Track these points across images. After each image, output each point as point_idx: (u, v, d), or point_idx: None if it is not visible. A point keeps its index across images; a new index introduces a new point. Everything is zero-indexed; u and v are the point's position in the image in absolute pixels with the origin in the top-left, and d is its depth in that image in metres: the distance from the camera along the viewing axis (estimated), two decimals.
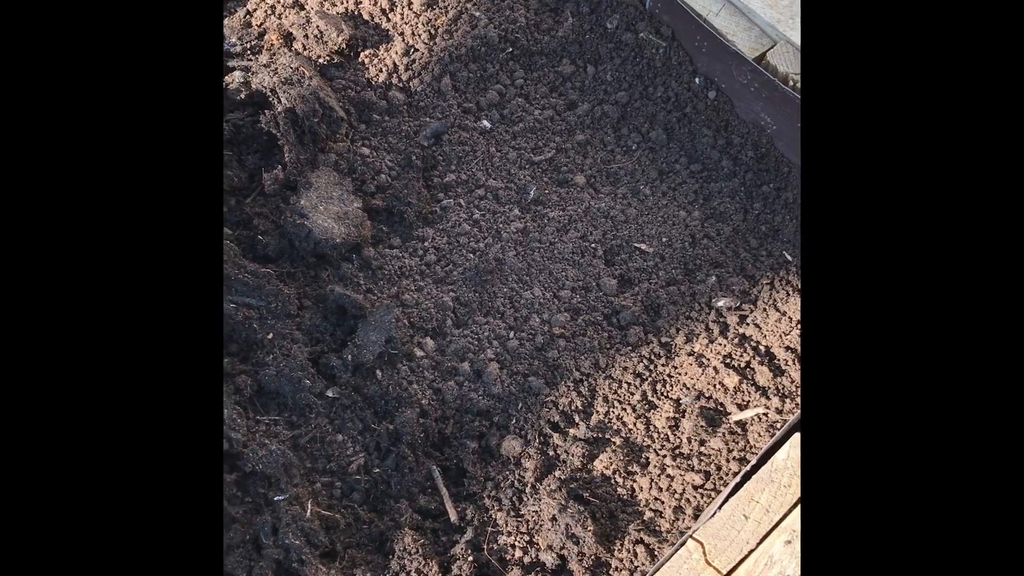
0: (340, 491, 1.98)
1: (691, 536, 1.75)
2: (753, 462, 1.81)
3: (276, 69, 2.36)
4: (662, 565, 1.74)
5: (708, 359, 2.16)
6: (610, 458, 2.02)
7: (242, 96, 2.36)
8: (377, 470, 2.01)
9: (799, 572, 1.65)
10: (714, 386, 2.12)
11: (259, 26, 2.58)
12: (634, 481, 2.01)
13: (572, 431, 2.08)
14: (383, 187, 2.38)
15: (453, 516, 1.96)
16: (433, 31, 2.59)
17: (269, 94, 2.32)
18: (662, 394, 2.13)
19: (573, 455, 2.03)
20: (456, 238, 2.34)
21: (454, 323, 2.22)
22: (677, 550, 1.75)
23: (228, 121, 2.33)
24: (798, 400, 2.08)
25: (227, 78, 2.42)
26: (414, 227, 2.36)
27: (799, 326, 2.18)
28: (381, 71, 2.54)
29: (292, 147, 2.29)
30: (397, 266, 2.28)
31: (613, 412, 2.10)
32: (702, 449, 2.03)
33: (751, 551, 1.72)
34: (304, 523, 1.86)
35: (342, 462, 2.01)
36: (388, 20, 2.61)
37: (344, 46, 2.52)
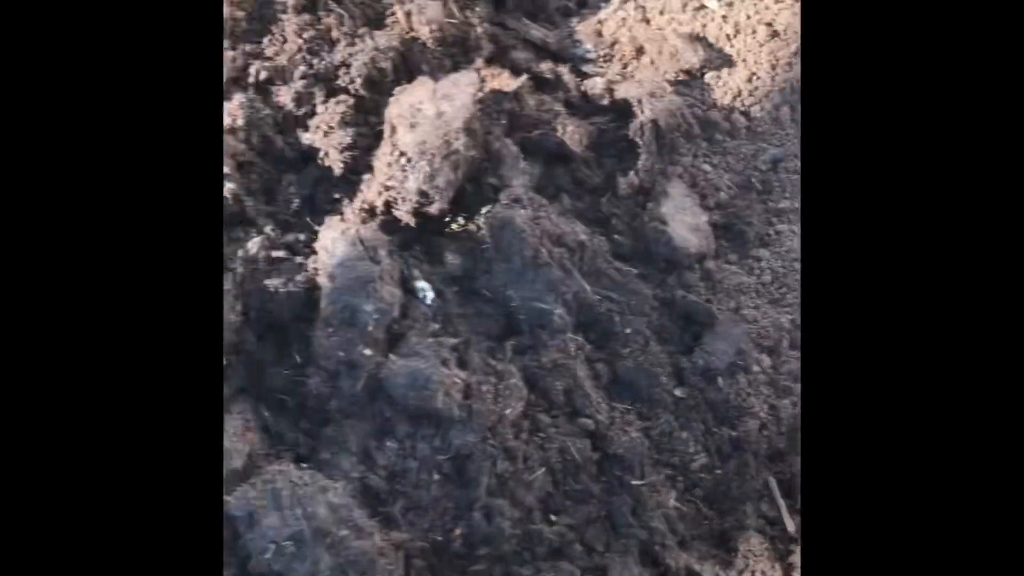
0: (683, 485, 2.12)
1: None
2: None
3: (640, 81, 2.51)
4: None
5: None
6: None
7: (605, 102, 2.53)
8: (719, 471, 2.14)
9: None
10: None
11: (610, 35, 2.74)
12: None
13: None
14: (722, 204, 2.51)
15: (791, 527, 2.08)
16: (775, 61, 2.70)
17: (635, 104, 2.48)
18: None
19: None
20: (791, 263, 2.44)
21: (789, 345, 2.33)
22: None
23: (593, 124, 2.50)
24: None
25: (587, 83, 2.59)
26: (750, 247, 2.48)
27: None
28: (726, 94, 2.67)
29: (651, 156, 2.44)
30: (735, 281, 2.40)
31: None
32: None
33: None
34: (666, 510, 2.00)
35: (684, 458, 2.14)
36: (732, 46, 2.73)
37: (696, 65, 2.65)
